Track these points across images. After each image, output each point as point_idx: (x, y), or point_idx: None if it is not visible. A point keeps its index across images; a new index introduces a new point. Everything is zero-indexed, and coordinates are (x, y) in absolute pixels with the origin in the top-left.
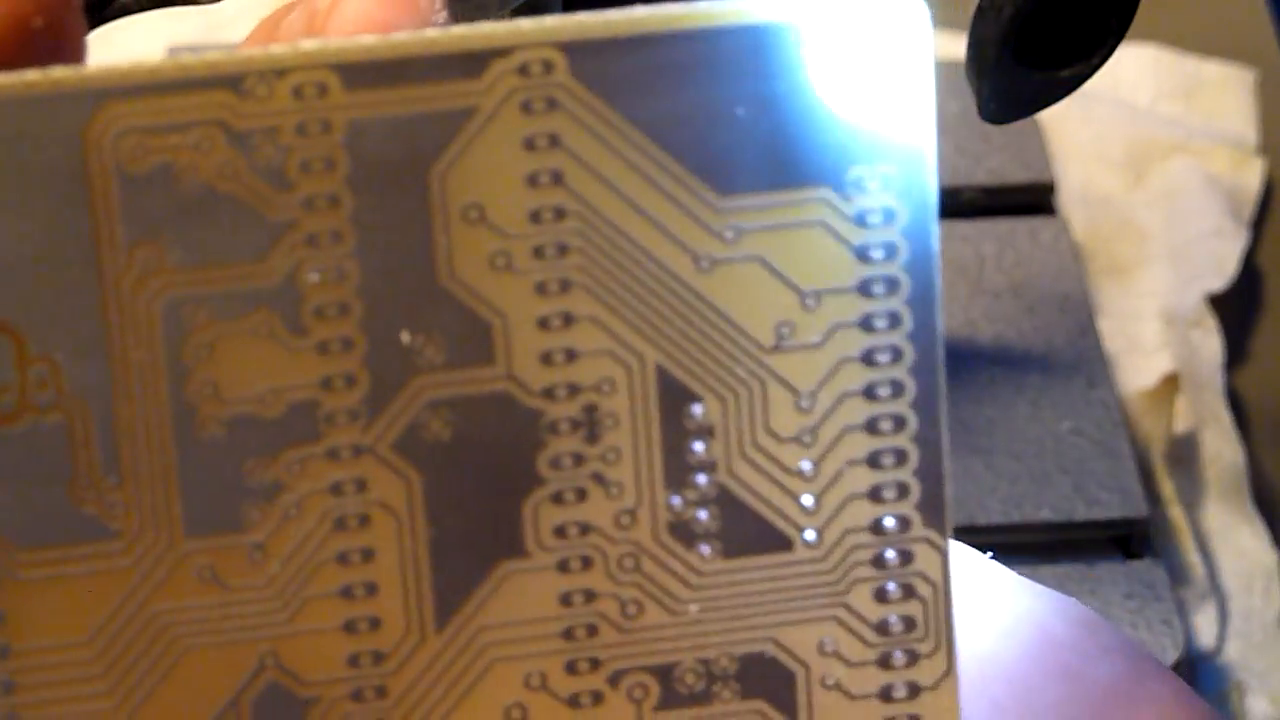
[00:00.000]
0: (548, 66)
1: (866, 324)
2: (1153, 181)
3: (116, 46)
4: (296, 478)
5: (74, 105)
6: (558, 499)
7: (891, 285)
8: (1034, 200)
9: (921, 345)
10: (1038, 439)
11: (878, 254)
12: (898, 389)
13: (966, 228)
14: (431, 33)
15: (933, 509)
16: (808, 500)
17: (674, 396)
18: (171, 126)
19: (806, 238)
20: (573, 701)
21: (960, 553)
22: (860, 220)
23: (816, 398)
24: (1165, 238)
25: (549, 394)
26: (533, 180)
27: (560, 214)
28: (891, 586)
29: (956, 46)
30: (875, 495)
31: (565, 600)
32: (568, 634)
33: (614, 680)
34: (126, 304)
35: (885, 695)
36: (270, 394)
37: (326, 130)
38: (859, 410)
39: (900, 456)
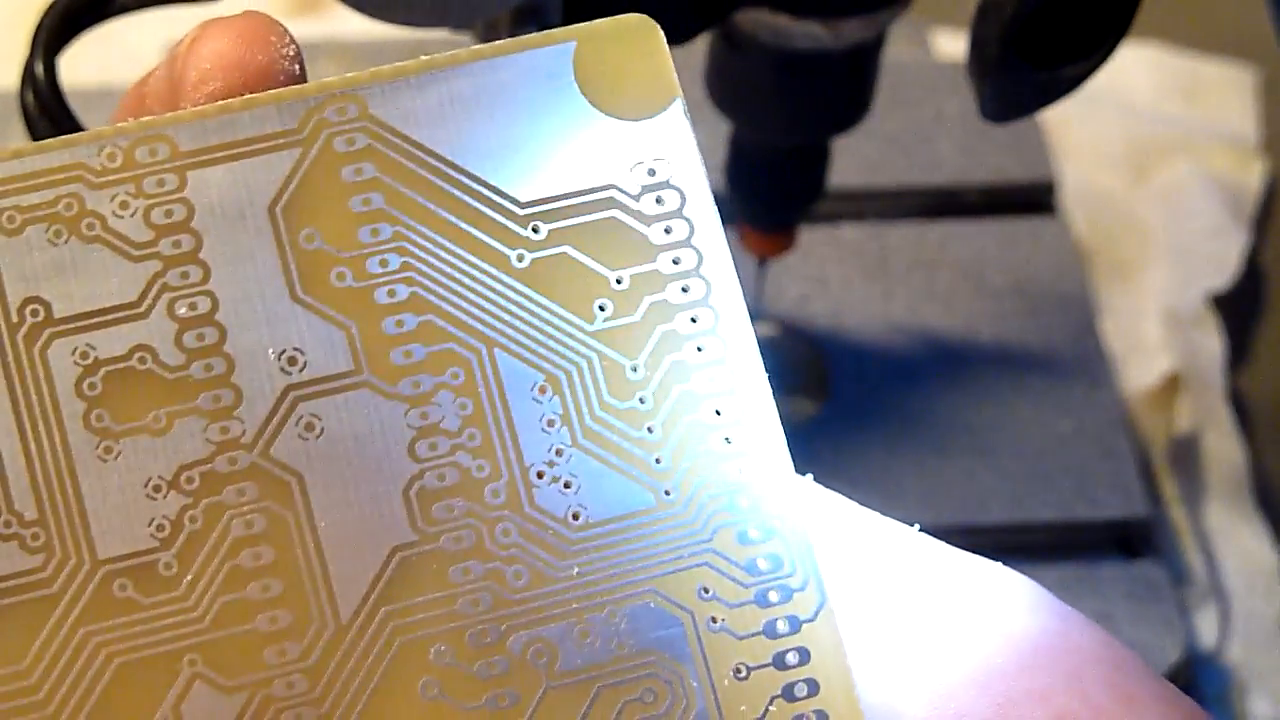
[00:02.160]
0: (353, 109)
1: (674, 293)
2: (1154, 181)
3: (116, 45)
4: (192, 491)
5: None
6: (431, 483)
7: (688, 257)
8: (1035, 200)
9: (725, 305)
10: (1039, 439)
11: (670, 234)
12: (716, 348)
13: (968, 227)
14: (252, 95)
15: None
16: (657, 458)
17: (518, 379)
18: (40, 196)
19: (604, 228)
20: (482, 672)
21: (878, 524)
22: (648, 205)
23: (644, 363)
24: (1166, 237)
25: (406, 389)
26: (356, 204)
27: (385, 231)
28: (750, 527)
29: (957, 46)
30: (718, 444)
31: (457, 575)
32: (464, 607)
33: (515, 647)
34: (21, 353)
35: (770, 632)
36: (157, 418)
37: (172, 184)
38: (685, 370)
39: (730, 407)
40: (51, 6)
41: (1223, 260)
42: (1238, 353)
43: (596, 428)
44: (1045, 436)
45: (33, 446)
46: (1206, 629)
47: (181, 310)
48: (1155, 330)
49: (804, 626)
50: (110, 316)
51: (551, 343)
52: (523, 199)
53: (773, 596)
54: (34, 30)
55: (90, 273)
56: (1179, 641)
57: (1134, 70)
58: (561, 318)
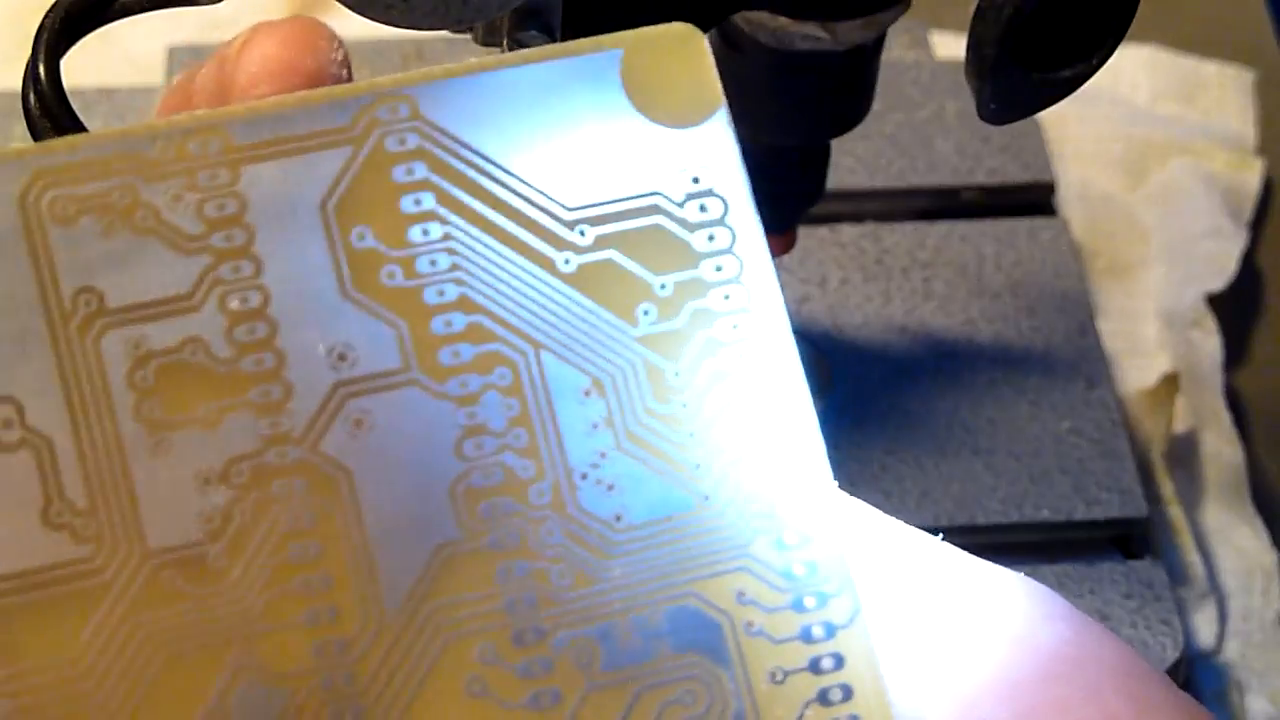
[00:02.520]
0: (404, 109)
1: (716, 299)
2: (1152, 181)
3: (116, 47)
4: (244, 486)
5: (7, 174)
6: (478, 482)
7: (730, 266)
8: (1034, 200)
9: (765, 314)
10: (1037, 439)
11: (713, 243)
12: (756, 356)
13: (966, 228)
14: (306, 92)
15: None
16: (697, 462)
17: (563, 382)
18: (94, 186)
19: (648, 234)
20: (525, 672)
21: (904, 534)
22: (692, 213)
23: (687, 370)
24: (1164, 238)
25: (454, 388)
26: (407, 204)
27: (435, 233)
28: (788, 534)
29: (956, 46)
30: (754, 449)
31: (502, 575)
32: (510, 607)
33: (559, 647)
34: (74, 344)
35: (806, 637)
36: (209, 412)
37: (226, 178)
38: (726, 376)
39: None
40: (54, 7)
41: (1221, 261)
42: (1236, 353)
43: (639, 431)
44: (1043, 436)
45: (84, 437)
46: (1204, 628)
47: (233, 304)
48: (1153, 330)
49: (839, 632)
50: (163, 309)
51: (597, 346)
52: (569, 204)
53: (809, 602)
54: (37, 31)
55: (143, 264)
56: (1177, 640)
57: (1133, 71)
58: (607, 321)
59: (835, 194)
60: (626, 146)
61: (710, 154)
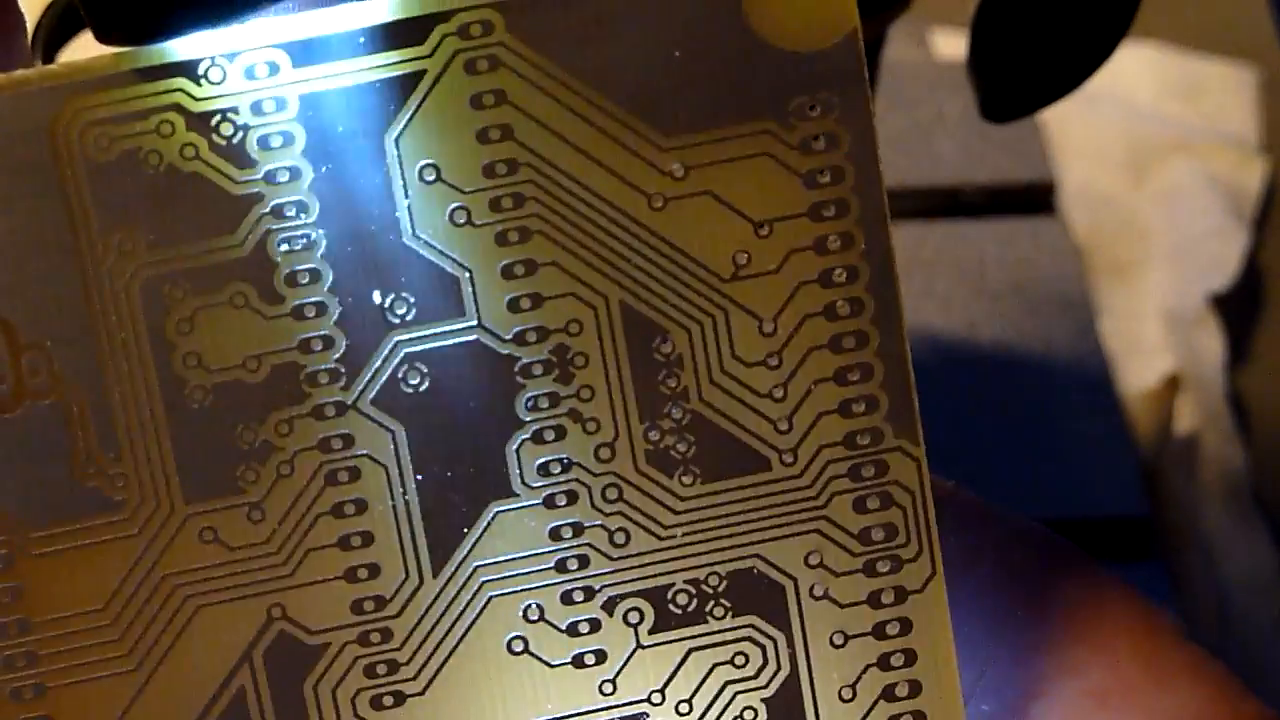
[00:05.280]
0: (487, 27)
1: (820, 247)
2: (1154, 181)
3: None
4: (285, 438)
5: (39, 103)
6: (538, 439)
7: (842, 207)
8: (1035, 200)
9: (876, 262)
10: (1038, 439)
11: (825, 179)
12: (857, 307)
13: (967, 228)
14: (372, 5)
15: (903, 419)
16: (780, 420)
17: (641, 332)
18: (133, 115)
19: (754, 169)
20: (571, 630)
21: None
22: (805, 147)
23: (778, 321)
24: (1166, 238)
25: (520, 339)
26: (483, 136)
27: (513, 166)
28: (870, 497)
29: (957, 46)
30: (845, 410)
31: (555, 534)
32: (560, 566)
33: (609, 607)
34: (107, 287)
35: (874, 601)
36: (252, 361)
37: (281, 107)
38: (821, 330)
39: (866, 371)
40: (50, 6)
41: (1223, 260)
42: (1238, 353)
43: (719, 386)
44: (1044, 436)
45: (117, 387)
46: (1205, 629)
47: (283, 248)
48: (1155, 330)
49: (910, 598)
50: (206, 251)
51: (681, 293)
52: (667, 135)
53: (881, 567)
54: (33, 29)
55: (186, 204)
56: None
57: (1134, 70)
58: (698, 266)
59: None
60: (738, 71)
61: (835, 81)
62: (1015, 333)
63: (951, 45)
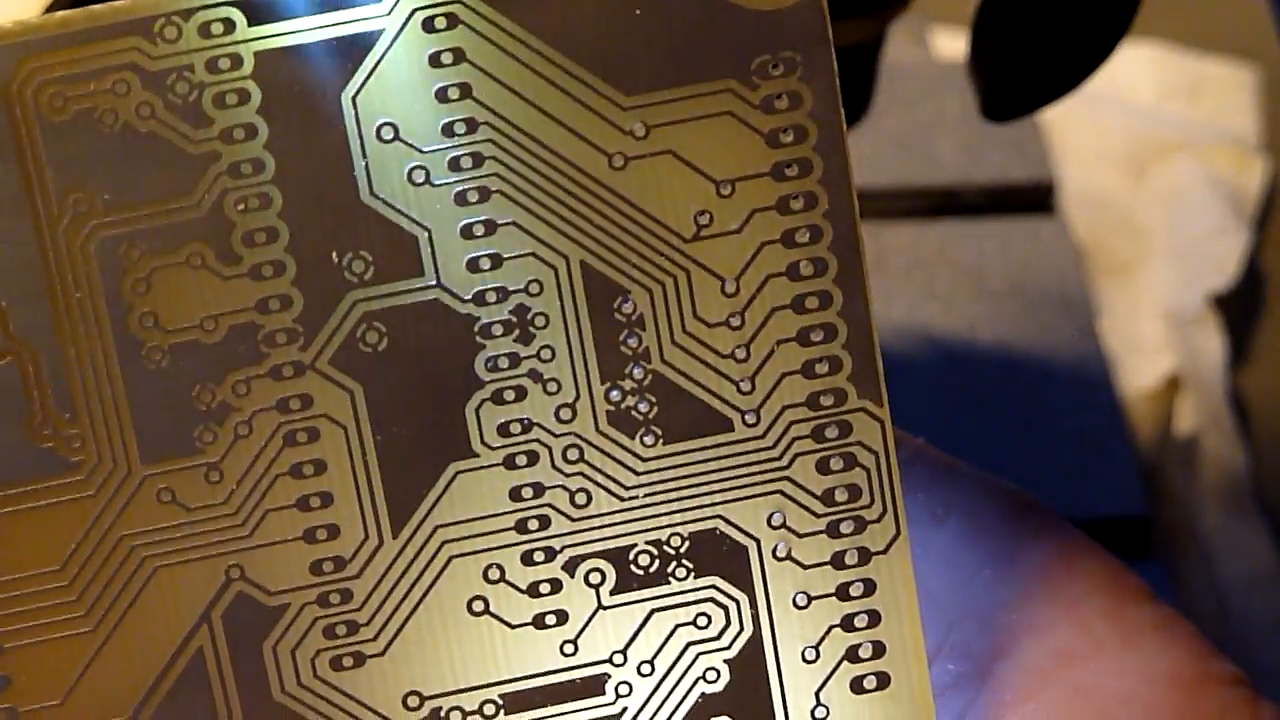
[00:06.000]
0: None
1: (784, 206)
2: (1154, 181)
3: None
4: (243, 399)
5: None
6: (498, 399)
7: (805, 167)
8: (1035, 200)
9: (840, 222)
10: (1038, 439)
11: (787, 138)
12: (821, 267)
13: (967, 228)
14: None
15: (866, 380)
16: (743, 381)
17: (602, 292)
18: (88, 74)
19: (715, 128)
20: (532, 591)
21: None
22: (767, 107)
23: (741, 282)
24: (1167, 237)
25: (479, 299)
26: (442, 95)
27: (472, 125)
28: (833, 458)
29: (957, 46)
30: (809, 371)
31: (515, 495)
32: (521, 527)
33: (570, 568)
34: (63, 248)
35: (838, 562)
36: (209, 321)
37: (237, 65)
38: (784, 290)
39: (829, 331)
40: (51, 6)
41: (1223, 260)
42: (1238, 353)
43: (682, 347)
44: (1044, 437)
45: (73, 349)
46: (1205, 630)
47: (240, 206)
48: (1155, 330)
49: (874, 559)
50: (162, 211)
51: (643, 253)
52: (628, 93)
53: (845, 528)
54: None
55: (142, 163)
56: None
57: (1134, 70)
58: (659, 225)
59: None
60: (700, 29)
61: (798, 38)
62: (1015, 333)
63: (951, 45)
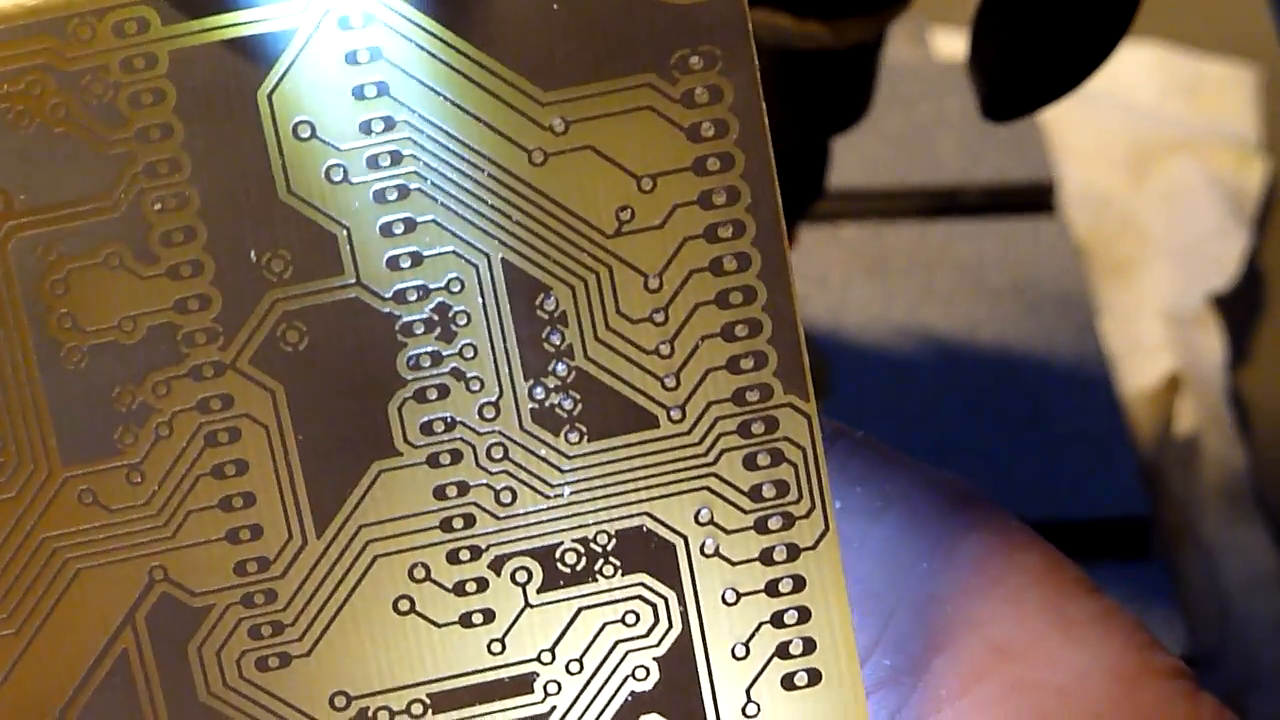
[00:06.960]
0: None
1: (706, 201)
2: (1154, 181)
3: None
4: (163, 399)
5: None
6: (420, 397)
7: (727, 161)
8: (1035, 200)
9: (763, 216)
10: (1038, 439)
11: (709, 132)
12: (744, 261)
13: (967, 227)
14: None
15: (792, 375)
16: (668, 377)
17: (523, 289)
18: (1, 75)
19: (635, 123)
20: (458, 589)
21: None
22: (688, 101)
23: (664, 277)
24: (1167, 237)
25: (400, 298)
26: (359, 93)
27: (390, 123)
28: (760, 453)
29: (957, 46)
30: (734, 367)
31: (440, 494)
32: (445, 525)
33: (496, 566)
34: None
35: (766, 558)
36: (128, 321)
37: (151, 64)
38: (708, 285)
39: (754, 326)
40: None
41: (1223, 260)
42: (1238, 353)
43: (605, 344)
44: (1044, 437)
45: None
46: (1205, 630)
47: (157, 206)
48: (1155, 330)
49: (803, 554)
50: (78, 211)
51: (564, 249)
52: (546, 89)
53: (773, 524)
54: None
55: (57, 162)
56: (1177, 642)
57: (1134, 70)
58: (580, 222)
59: (836, 193)
60: (617, 23)
61: (716, 32)
62: (1015, 333)
63: (951, 45)
